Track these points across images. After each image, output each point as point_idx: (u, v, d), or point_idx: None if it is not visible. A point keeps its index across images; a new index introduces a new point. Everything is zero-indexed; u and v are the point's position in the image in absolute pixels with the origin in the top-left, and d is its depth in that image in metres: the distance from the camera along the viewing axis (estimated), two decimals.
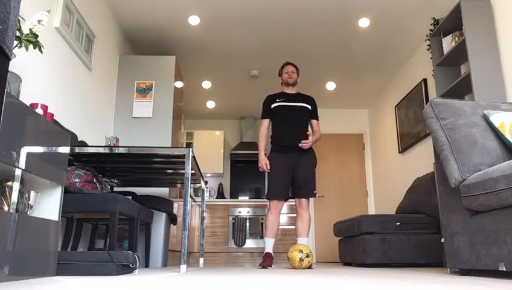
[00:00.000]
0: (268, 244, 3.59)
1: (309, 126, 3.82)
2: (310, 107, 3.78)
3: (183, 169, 3.11)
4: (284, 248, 5.79)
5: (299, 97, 3.81)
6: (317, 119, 3.84)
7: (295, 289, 1.28)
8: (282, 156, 3.64)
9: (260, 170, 3.69)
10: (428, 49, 4.09)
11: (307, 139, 3.70)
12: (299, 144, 3.57)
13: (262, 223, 5.91)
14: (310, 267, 3.32)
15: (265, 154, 3.76)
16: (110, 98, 4.18)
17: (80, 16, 3.34)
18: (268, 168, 3.62)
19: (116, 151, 2.61)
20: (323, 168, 6.47)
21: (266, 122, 3.81)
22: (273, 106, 3.77)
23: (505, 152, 2.12)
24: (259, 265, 3.55)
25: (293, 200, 3.70)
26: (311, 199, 6.33)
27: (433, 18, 4.11)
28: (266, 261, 3.49)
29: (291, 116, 3.71)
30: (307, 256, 3.17)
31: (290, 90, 3.83)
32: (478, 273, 2.28)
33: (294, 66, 3.88)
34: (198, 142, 6.72)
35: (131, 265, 2.16)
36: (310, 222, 3.62)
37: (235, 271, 2.77)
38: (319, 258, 6.17)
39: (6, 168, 1.60)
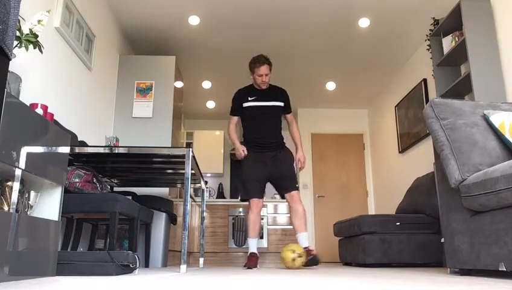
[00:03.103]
0: (253, 244, 3.49)
1: (282, 120, 3.74)
2: (282, 104, 3.70)
3: (183, 169, 3.11)
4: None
5: (271, 94, 3.68)
6: (291, 112, 3.80)
7: (295, 289, 1.28)
8: (257, 155, 3.59)
9: (238, 158, 3.64)
10: (428, 49, 4.09)
11: (281, 136, 3.68)
12: (299, 168, 3.65)
13: (261, 224, 5.90)
14: (309, 265, 3.32)
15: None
16: (110, 98, 4.18)
17: (80, 16, 3.34)
18: (246, 153, 3.57)
19: (116, 151, 2.61)
20: (323, 168, 6.47)
21: (235, 119, 3.77)
22: (244, 105, 3.67)
23: (505, 152, 2.12)
24: (244, 265, 3.44)
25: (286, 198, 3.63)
26: (312, 199, 6.34)
27: (433, 18, 4.11)
28: (252, 260, 3.39)
29: (264, 117, 3.64)
30: (299, 256, 3.17)
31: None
32: (478, 273, 2.28)
33: (268, 63, 3.59)
34: (198, 142, 6.72)
35: (131, 265, 2.16)
36: (305, 215, 3.49)
37: (235, 271, 2.77)
38: None
39: (6, 168, 1.60)
